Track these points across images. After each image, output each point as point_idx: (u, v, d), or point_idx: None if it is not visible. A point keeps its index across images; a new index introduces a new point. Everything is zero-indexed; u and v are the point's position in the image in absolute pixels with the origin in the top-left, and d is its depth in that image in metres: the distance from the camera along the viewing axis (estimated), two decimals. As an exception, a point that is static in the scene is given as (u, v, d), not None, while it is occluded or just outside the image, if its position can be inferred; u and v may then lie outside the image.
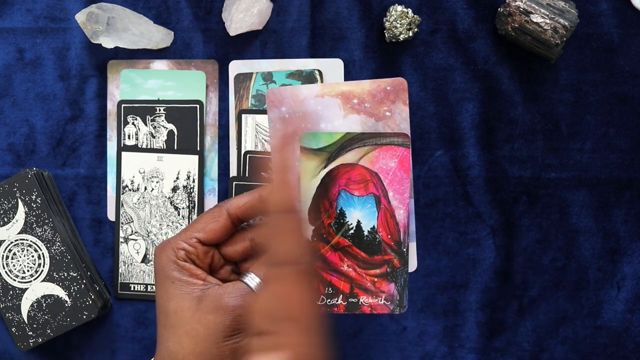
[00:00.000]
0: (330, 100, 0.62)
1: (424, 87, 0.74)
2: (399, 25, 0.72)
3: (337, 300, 0.63)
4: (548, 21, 0.69)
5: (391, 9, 0.72)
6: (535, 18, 0.69)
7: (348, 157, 0.62)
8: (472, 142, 0.74)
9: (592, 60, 0.73)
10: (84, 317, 0.72)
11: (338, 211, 0.63)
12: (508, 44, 0.73)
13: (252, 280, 0.60)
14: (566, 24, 0.69)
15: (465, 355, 0.75)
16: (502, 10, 0.71)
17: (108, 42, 0.73)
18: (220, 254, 0.63)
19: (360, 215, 0.63)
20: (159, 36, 0.73)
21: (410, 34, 0.72)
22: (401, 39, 0.72)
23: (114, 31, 0.72)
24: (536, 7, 0.69)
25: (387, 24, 0.72)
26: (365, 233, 0.63)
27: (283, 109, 0.62)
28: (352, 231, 0.63)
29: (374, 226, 0.63)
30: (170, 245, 0.61)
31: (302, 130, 0.62)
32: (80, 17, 0.72)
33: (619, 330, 0.74)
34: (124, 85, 0.74)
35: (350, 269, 0.63)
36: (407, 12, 0.71)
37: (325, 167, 0.62)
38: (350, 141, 0.62)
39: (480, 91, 0.74)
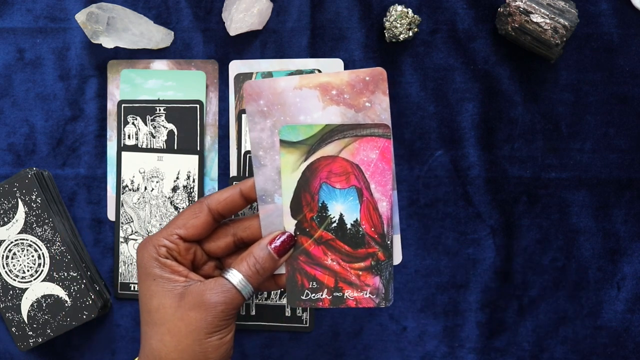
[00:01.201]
0: (309, 92, 0.61)
1: (424, 87, 0.74)
2: (399, 25, 0.72)
3: (321, 295, 0.62)
4: (548, 21, 0.69)
5: (391, 9, 0.72)
6: (535, 18, 0.69)
7: (328, 150, 0.61)
8: (472, 142, 0.74)
9: (592, 60, 0.73)
10: (84, 317, 0.72)
11: (320, 204, 0.62)
12: (508, 44, 0.73)
13: (233, 276, 0.59)
14: (566, 23, 0.69)
15: (465, 355, 0.75)
16: (502, 10, 0.71)
17: (108, 42, 0.73)
18: (203, 250, 0.63)
19: (343, 208, 0.62)
20: (159, 36, 0.73)
21: (410, 33, 0.72)
22: (401, 39, 0.72)
23: (114, 31, 0.72)
24: (536, 7, 0.69)
25: (387, 24, 0.72)
26: (349, 226, 0.62)
27: (261, 102, 0.61)
28: (335, 224, 0.62)
29: (356, 219, 0.62)
30: (151, 242, 0.61)
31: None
32: (80, 17, 0.72)
33: (619, 330, 0.74)
34: (124, 85, 0.74)
35: (334, 263, 0.62)
36: (407, 12, 0.71)
37: (305, 160, 0.61)
38: (330, 133, 0.61)
39: (480, 91, 0.74)
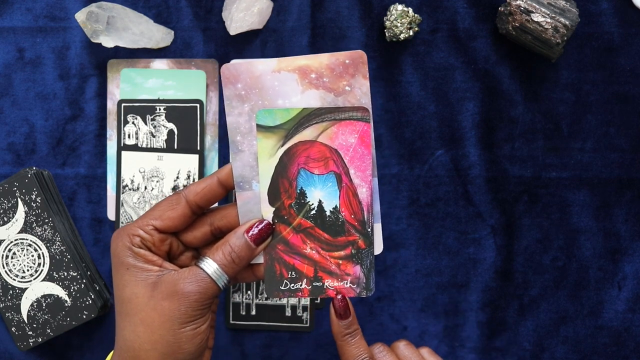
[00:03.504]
0: (287, 76, 0.59)
1: (425, 87, 0.74)
2: (399, 25, 0.71)
3: (300, 285, 0.60)
4: (549, 20, 0.69)
5: (392, 8, 0.72)
6: (536, 17, 0.69)
7: (306, 134, 0.59)
8: (472, 141, 0.74)
9: (593, 59, 0.73)
10: (84, 317, 0.72)
11: (298, 191, 0.60)
12: (509, 43, 0.73)
13: (208, 265, 0.58)
14: (567, 23, 0.69)
15: (465, 355, 0.75)
16: (502, 9, 0.71)
17: (108, 42, 0.73)
18: (179, 241, 0.61)
19: (322, 194, 0.60)
20: (159, 35, 0.73)
21: (411, 33, 0.72)
22: (402, 38, 0.72)
23: (114, 30, 0.72)
24: (537, 6, 0.69)
25: (387, 23, 0.72)
26: (328, 213, 0.60)
27: (239, 85, 0.59)
28: (313, 211, 0.60)
29: (336, 206, 0.60)
30: (125, 231, 0.59)
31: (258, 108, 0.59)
32: (80, 16, 0.72)
33: (620, 330, 0.74)
34: (124, 84, 0.74)
35: (314, 252, 0.60)
36: (408, 11, 0.71)
37: (283, 145, 0.60)
38: (307, 117, 0.59)
39: (481, 90, 0.74)
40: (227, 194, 0.61)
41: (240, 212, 0.60)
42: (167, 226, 0.59)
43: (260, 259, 0.61)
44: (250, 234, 0.59)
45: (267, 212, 0.60)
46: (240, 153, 0.60)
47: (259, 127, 0.60)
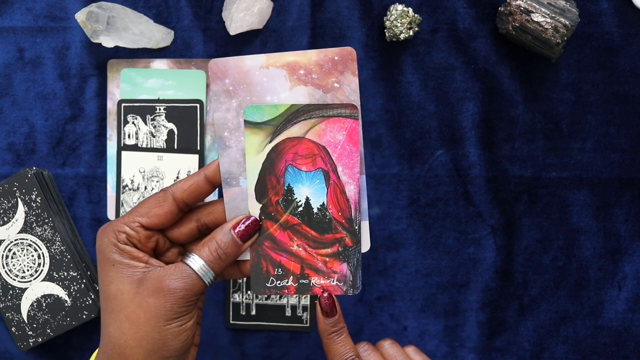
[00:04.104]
0: (276, 72, 0.59)
1: (425, 87, 0.74)
2: (399, 25, 0.72)
3: (287, 282, 0.60)
4: (549, 20, 0.69)
5: (392, 8, 0.72)
6: (536, 17, 0.69)
7: (294, 131, 0.59)
8: (472, 141, 0.74)
9: (593, 59, 0.73)
10: (84, 317, 0.72)
11: (286, 188, 0.60)
12: (509, 43, 0.73)
13: (195, 262, 0.57)
14: (567, 23, 0.69)
15: (465, 355, 0.75)
16: (502, 9, 0.71)
17: (108, 42, 0.73)
18: (165, 237, 0.61)
19: (309, 191, 0.60)
20: (159, 35, 0.73)
21: (411, 33, 0.72)
22: (402, 38, 0.72)
23: (114, 30, 0.72)
24: (537, 6, 0.69)
25: (387, 23, 0.72)
26: (315, 210, 0.60)
27: (227, 80, 0.59)
28: (301, 208, 0.60)
29: (323, 203, 0.60)
30: (111, 227, 0.58)
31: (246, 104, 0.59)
32: (80, 16, 0.72)
33: (620, 330, 0.74)
34: (124, 84, 0.74)
35: (301, 249, 0.60)
36: (408, 11, 0.71)
37: (270, 141, 0.59)
38: (295, 113, 0.59)
39: (481, 90, 0.74)
40: (214, 191, 0.61)
41: (227, 208, 0.60)
42: (154, 223, 0.59)
43: (247, 256, 0.60)
44: (236, 231, 0.58)
45: (254, 209, 0.60)
46: (227, 149, 0.60)
47: (246, 123, 0.59)
